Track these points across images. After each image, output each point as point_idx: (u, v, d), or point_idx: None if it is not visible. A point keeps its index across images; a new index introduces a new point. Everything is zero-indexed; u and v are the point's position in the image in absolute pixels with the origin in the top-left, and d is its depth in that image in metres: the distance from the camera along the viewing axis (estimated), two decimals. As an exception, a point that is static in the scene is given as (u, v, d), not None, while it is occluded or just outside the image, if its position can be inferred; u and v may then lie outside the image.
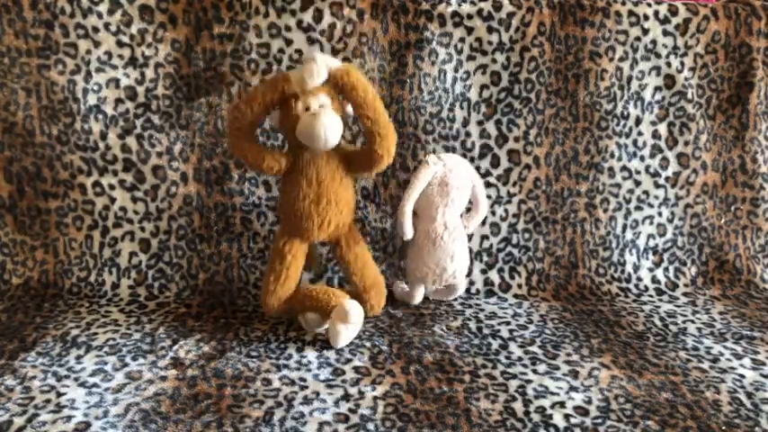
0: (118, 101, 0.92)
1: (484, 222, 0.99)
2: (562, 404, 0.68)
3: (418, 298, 0.93)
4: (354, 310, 0.78)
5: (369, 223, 0.98)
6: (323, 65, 0.74)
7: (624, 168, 1.02)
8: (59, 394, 0.67)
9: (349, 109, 0.79)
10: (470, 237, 0.97)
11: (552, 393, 0.70)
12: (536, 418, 0.65)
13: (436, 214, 0.88)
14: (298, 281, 0.83)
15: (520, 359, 0.77)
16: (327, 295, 0.80)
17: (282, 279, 0.80)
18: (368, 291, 0.83)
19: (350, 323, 0.78)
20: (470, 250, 0.96)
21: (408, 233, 0.89)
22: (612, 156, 1.01)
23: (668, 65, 1.00)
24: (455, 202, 0.88)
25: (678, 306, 0.96)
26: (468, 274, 0.97)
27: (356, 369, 0.74)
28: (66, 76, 0.90)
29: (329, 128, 0.73)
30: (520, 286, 0.99)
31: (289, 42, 0.92)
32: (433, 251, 0.89)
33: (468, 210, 0.93)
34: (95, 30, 0.89)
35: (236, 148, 0.78)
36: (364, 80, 0.76)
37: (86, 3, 0.88)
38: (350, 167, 0.80)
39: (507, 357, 0.78)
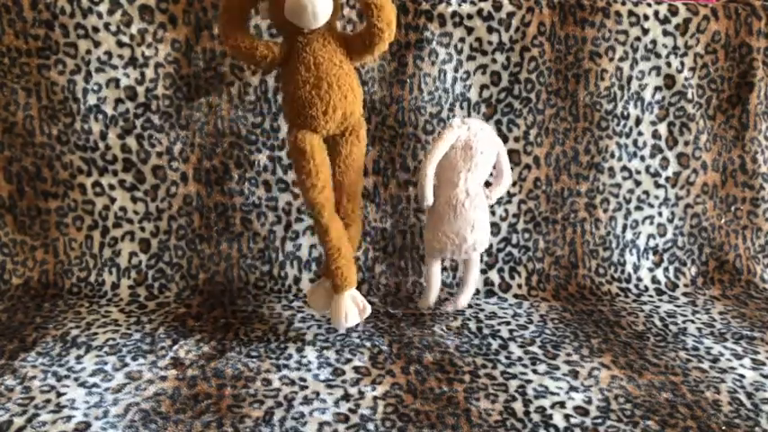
0: (118, 101, 0.92)
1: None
2: (562, 404, 0.68)
3: (432, 293, 0.89)
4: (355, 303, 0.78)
5: (369, 223, 0.98)
6: None
7: (624, 168, 1.02)
8: (59, 394, 0.67)
9: None
10: (491, 207, 0.94)
11: (552, 393, 0.70)
12: (536, 418, 0.65)
13: (458, 180, 0.83)
14: (329, 174, 0.78)
15: (520, 359, 0.77)
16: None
17: (315, 172, 0.75)
18: (344, 197, 0.79)
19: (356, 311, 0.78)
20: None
21: (429, 198, 0.83)
22: (612, 156, 1.01)
23: (668, 65, 1.00)
24: (479, 168, 0.83)
25: (678, 306, 0.96)
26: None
27: (356, 369, 0.74)
28: (66, 76, 0.90)
29: (316, 1, 0.69)
30: (520, 286, 0.99)
31: (289, 42, 0.92)
32: (453, 219, 0.83)
33: (488, 183, 0.89)
34: (95, 30, 0.89)
35: (228, 38, 0.75)
36: None
37: (86, 3, 0.88)
38: (350, 52, 0.76)
39: (507, 357, 0.78)
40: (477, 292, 0.98)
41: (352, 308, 0.78)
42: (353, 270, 0.79)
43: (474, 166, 0.83)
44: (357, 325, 0.82)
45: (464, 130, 0.82)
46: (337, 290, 0.78)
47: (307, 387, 0.70)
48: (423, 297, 0.91)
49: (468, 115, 0.97)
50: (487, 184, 0.88)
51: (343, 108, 0.75)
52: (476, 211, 0.84)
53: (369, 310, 0.79)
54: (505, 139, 0.98)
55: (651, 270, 1.03)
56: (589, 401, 0.68)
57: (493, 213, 1.00)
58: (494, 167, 0.87)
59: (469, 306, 0.93)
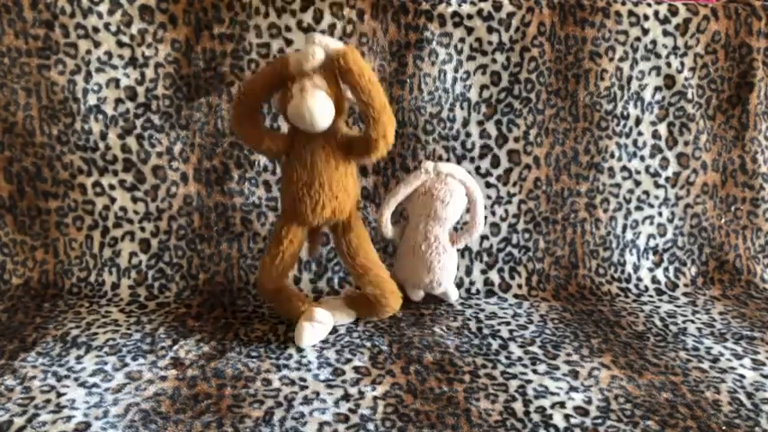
0: (118, 101, 0.92)
1: (484, 222, 0.99)
2: (562, 404, 0.68)
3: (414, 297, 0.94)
4: (320, 313, 0.80)
5: (369, 223, 0.98)
6: (320, 46, 0.73)
7: (624, 168, 1.02)
8: (59, 394, 0.67)
9: (350, 93, 0.77)
10: (468, 249, 0.98)
11: (552, 393, 0.70)
12: (536, 418, 0.65)
13: (419, 223, 0.88)
14: (292, 266, 0.83)
15: (520, 359, 0.77)
16: (301, 302, 0.82)
17: (278, 261, 0.80)
18: (371, 285, 0.81)
19: (315, 321, 0.79)
20: (459, 263, 0.93)
21: (386, 234, 0.89)
22: (612, 156, 1.01)
23: (668, 65, 1.00)
24: (439, 216, 0.86)
25: (678, 306, 0.96)
26: (460, 286, 0.97)
27: (356, 369, 0.74)
28: (66, 76, 0.90)
29: (314, 108, 0.72)
30: (520, 286, 0.99)
31: (289, 42, 0.92)
32: (411, 259, 0.88)
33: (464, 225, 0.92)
34: (95, 30, 0.89)
35: (238, 128, 0.79)
36: (361, 63, 0.74)
37: (86, 3, 0.88)
38: (350, 153, 0.79)
39: (507, 357, 0.78)
40: (478, 292, 0.98)
41: (309, 326, 0.80)
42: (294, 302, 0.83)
43: (434, 213, 0.86)
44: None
45: (431, 176, 0.86)
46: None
47: (307, 387, 0.70)
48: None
49: (468, 115, 0.97)
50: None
51: (333, 206, 0.79)
52: (432, 255, 0.87)
53: (326, 320, 0.81)
54: (505, 139, 0.98)
55: (651, 270, 1.03)
56: (589, 401, 0.68)
57: (493, 213, 1.00)
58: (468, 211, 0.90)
59: (469, 306, 0.94)
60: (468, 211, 0.90)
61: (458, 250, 0.92)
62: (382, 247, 0.99)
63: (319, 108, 0.72)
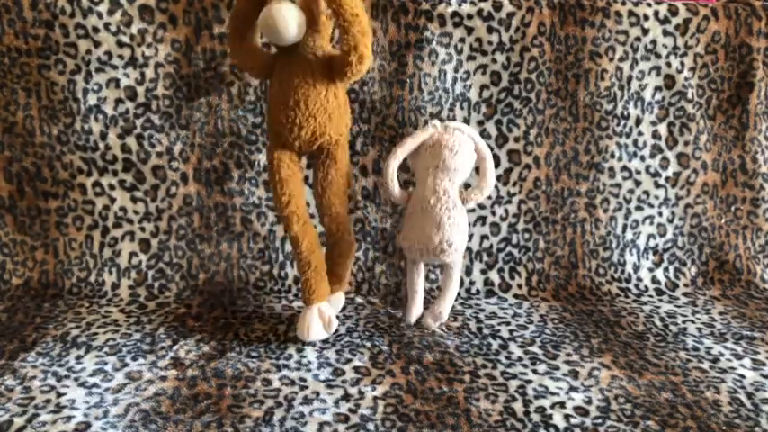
0: (118, 101, 0.92)
1: (484, 222, 0.99)
2: (562, 404, 0.68)
3: (414, 306, 0.88)
4: (326, 307, 0.79)
5: (369, 223, 0.98)
6: None
7: (624, 168, 1.02)
8: (59, 394, 0.67)
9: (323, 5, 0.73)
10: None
11: (552, 393, 0.70)
12: (536, 418, 0.65)
13: (426, 177, 0.82)
14: (302, 195, 0.80)
15: (520, 359, 0.77)
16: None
17: (280, 186, 0.77)
18: (331, 225, 0.81)
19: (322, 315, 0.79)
20: (469, 225, 0.87)
21: (393, 192, 0.83)
22: (613, 156, 1.01)
23: (668, 65, 1.00)
24: (448, 166, 0.81)
25: (678, 306, 0.96)
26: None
27: (356, 369, 0.74)
28: (67, 76, 0.90)
29: (278, 17, 0.68)
30: (520, 286, 0.99)
31: (289, 42, 0.92)
32: (420, 218, 0.82)
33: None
34: (95, 30, 0.89)
35: (231, 45, 0.79)
36: None
37: (86, 3, 0.88)
38: (331, 72, 0.75)
39: (507, 357, 0.78)
40: (478, 292, 0.98)
41: (317, 322, 0.78)
42: (324, 284, 0.80)
43: (442, 163, 0.81)
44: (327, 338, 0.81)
45: (438, 130, 0.82)
46: (305, 302, 0.79)
47: (307, 387, 0.70)
48: (405, 311, 0.89)
49: (469, 115, 0.97)
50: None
51: (311, 128, 0.74)
52: (443, 211, 0.81)
53: (335, 325, 0.79)
54: (505, 139, 0.98)
55: (651, 270, 1.03)
56: (589, 401, 0.68)
57: (493, 213, 1.00)
58: (477, 172, 0.85)
59: (469, 306, 0.94)
60: (477, 170, 0.86)
61: (468, 211, 0.86)
62: (383, 246, 0.99)
63: (283, 16, 0.68)
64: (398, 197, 0.85)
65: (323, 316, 0.79)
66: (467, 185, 0.86)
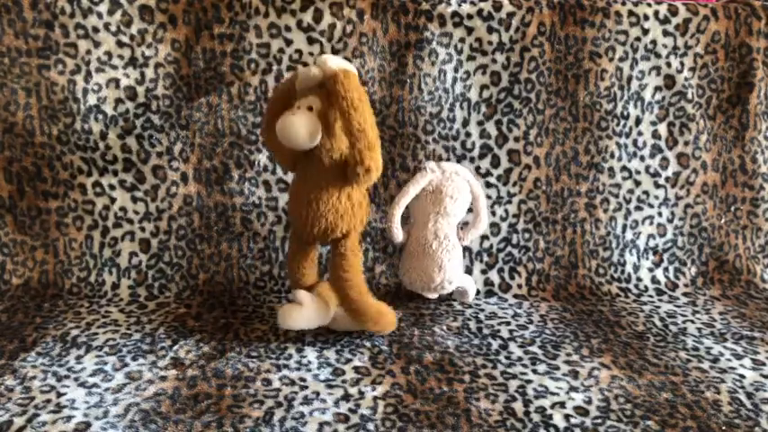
0: (118, 101, 0.92)
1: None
2: (562, 404, 0.68)
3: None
4: (301, 294, 0.80)
5: (369, 223, 0.98)
6: (318, 66, 0.73)
7: (624, 168, 1.02)
8: (59, 394, 0.67)
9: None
10: (468, 249, 0.97)
11: (552, 393, 0.70)
12: (536, 418, 0.65)
13: (427, 222, 0.88)
14: (314, 274, 0.85)
15: (520, 359, 0.77)
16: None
17: (296, 266, 0.83)
18: (360, 317, 0.80)
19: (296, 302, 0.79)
20: (466, 261, 0.95)
21: (396, 237, 0.89)
22: (612, 156, 1.01)
23: (668, 65, 1.00)
24: (448, 212, 0.87)
25: (678, 306, 0.96)
26: (475, 291, 0.96)
27: (356, 369, 0.74)
28: (67, 76, 0.90)
29: (291, 127, 0.72)
30: (520, 286, 0.99)
31: (289, 42, 0.92)
32: (422, 258, 0.88)
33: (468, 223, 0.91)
34: (95, 30, 0.89)
35: (263, 136, 0.84)
36: (350, 85, 0.71)
37: (86, 3, 0.88)
38: (345, 176, 0.77)
39: (507, 357, 0.78)
40: (478, 292, 0.98)
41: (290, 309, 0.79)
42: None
43: (443, 209, 0.87)
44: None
45: (437, 175, 0.87)
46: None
47: (307, 387, 0.70)
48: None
49: (468, 115, 0.97)
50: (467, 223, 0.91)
51: (323, 227, 0.78)
52: (444, 253, 0.87)
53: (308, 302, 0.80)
54: (505, 139, 0.98)
55: (651, 270, 1.03)
56: (589, 401, 0.68)
57: (493, 214, 1.00)
58: (470, 210, 0.90)
59: (469, 306, 0.94)
60: (470, 207, 0.90)
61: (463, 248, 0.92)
62: (382, 246, 0.99)
63: (297, 127, 0.73)
64: (401, 240, 0.90)
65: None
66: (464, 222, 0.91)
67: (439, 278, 0.88)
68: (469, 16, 0.94)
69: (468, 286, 0.93)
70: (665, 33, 0.99)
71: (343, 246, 0.79)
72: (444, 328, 0.86)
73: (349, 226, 0.79)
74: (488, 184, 0.99)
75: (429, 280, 0.88)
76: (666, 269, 1.04)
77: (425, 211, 0.88)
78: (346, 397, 0.68)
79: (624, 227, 1.03)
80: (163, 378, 0.71)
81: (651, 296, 0.99)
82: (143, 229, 0.95)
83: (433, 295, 0.91)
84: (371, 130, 0.72)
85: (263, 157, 0.95)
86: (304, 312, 0.79)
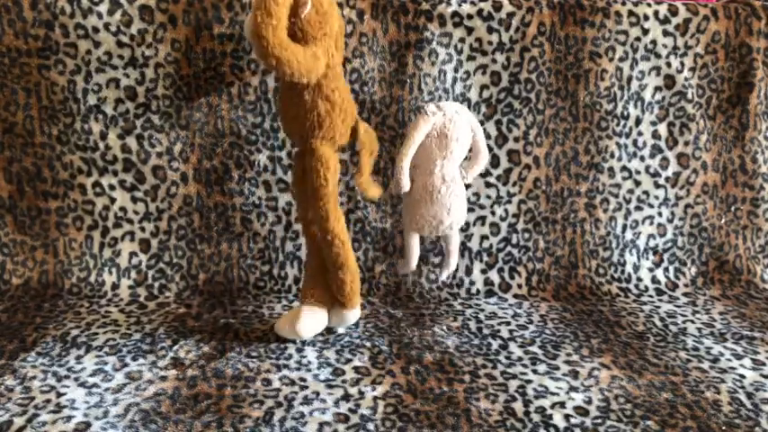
0: (118, 101, 0.92)
1: (484, 222, 0.99)
2: (562, 404, 0.68)
3: (413, 260, 0.89)
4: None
5: (369, 223, 0.98)
6: None
7: (624, 168, 1.02)
8: (59, 394, 0.67)
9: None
10: (468, 186, 0.93)
11: (552, 393, 0.70)
12: (536, 418, 0.65)
13: (434, 167, 0.83)
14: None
15: (520, 359, 0.77)
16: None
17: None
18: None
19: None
20: (468, 200, 0.91)
21: (405, 187, 0.84)
22: (612, 156, 1.01)
23: (668, 65, 1.00)
24: (454, 155, 0.83)
25: (678, 306, 0.96)
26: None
27: (356, 369, 0.74)
28: (67, 77, 0.90)
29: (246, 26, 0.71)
30: (520, 286, 0.99)
31: (289, 42, 0.92)
32: (430, 204, 0.84)
33: (468, 158, 0.87)
34: (95, 30, 0.89)
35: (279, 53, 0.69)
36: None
37: (86, 3, 0.88)
38: None
39: (507, 357, 0.78)
40: (478, 292, 0.98)
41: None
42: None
43: (449, 153, 0.82)
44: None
45: (439, 117, 0.82)
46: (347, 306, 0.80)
47: (307, 387, 0.70)
48: (403, 263, 0.90)
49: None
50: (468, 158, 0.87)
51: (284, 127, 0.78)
52: (451, 196, 0.84)
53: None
54: (505, 139, 0.98)
55: (651, 270, 1.03)
56: (589, 401, 0.68)
57: (493, 213, 1.00)
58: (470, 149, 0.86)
59: (469, 306, 0.94)
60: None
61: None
62: (382, 246, 0.99)
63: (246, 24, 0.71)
64: (408, 188, 0.85)
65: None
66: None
67: (448, 221, 0.85)
68: (469, 16, 0.94)
69: (451, 261, 0.90)
70: (665, 33, 0.99)
71: (309, 156, 0.76)
72: (444, 327, 0.86)
73: (304, 130, 0.75)
74: (488, 184, 0.99)
75: (438, 224, 0.85)
76: (666, 269, 1.04)
77: (431, 156, 0.83)
78: (346, 397, 0.68)
79: (624, 227, 1.03)
80: (163, 378, 0.71)
81: (651, 296, 0.99)
82: (143, 230, 0.95)
83: (445, 233, 0.87)
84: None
85: (263, 157, 0.95)
86: (317, 317, 0.80)
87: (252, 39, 0.67)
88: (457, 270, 0.99)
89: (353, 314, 0.81)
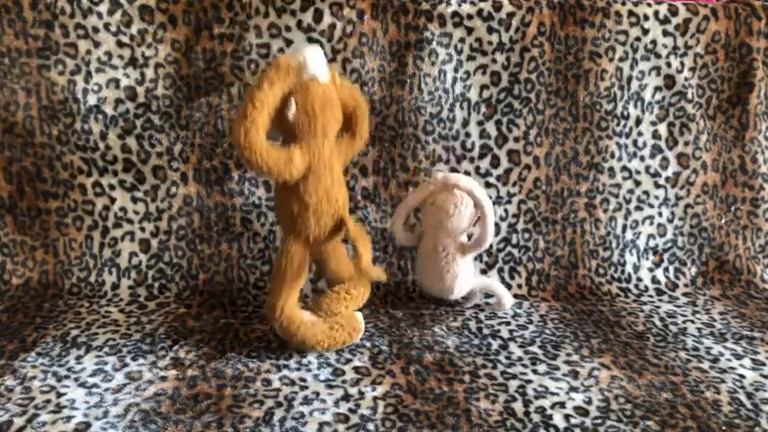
0: (118, 101, 0.92)
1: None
2: (562, 404, 0.68)
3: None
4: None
5: (369, 223, 0.98)
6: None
7: (624, 168, 1.02)
8: (59, 394, 0.67)
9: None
10: (480, 258, 0.98)
11: (552, 393, 0.70)
12: (536, 418, 0.65)
13: (430, 232, 0.88)
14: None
15: (520, 359, 0.77)
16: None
17: None
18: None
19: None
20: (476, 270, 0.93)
21: (400, 241, 0.91)
22: (612, 156, 1.01)
23: (668, 65, 1.00)
24: (445, 226, 0.86)
25: (678, 306, 0.96)
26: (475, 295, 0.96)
27: (356, 369, 0.74)
28: (67, 77, 0.90)
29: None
30: (520, 286, 0.99)
31: (289, 42, 0.92)
32: (426, 265, 0.89)
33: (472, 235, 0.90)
34: (95, 30, 0.89)
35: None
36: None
37: (86, 3, 0.88)
38: None
39: (507, 357, 0.78)
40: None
41: None
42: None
43: (440, 224, 0.87)
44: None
45: (436, 188, 0.86)
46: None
47: (307, 387, 0.70)
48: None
49: (468, 115, 0.97)
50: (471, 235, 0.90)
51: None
52: (444, 265, 0.88)
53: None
54: (505, 139, 0.98)
55: (651, 270, 1.03)
56: (589, 402, 0.68)
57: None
58: (477, 223, 0.88)
59: (469, 306, 0.94)
60: (478, 221, 0.88)
61: (474, 259, 0.92)
62: (382, 246, 0.99)
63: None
64: (407, 243, 0.92)
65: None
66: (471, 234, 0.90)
67: (440, 285, 0.89)
68: (469, 16, 0.94)
69: (500, 292, 0.93)
70: (665, 33, 0.99)
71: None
72: (444, 328, 0.86)
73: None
74: (488, 184, 0.99)
75: (433, 285, 0.90)
76: (666, 269, 1.04)
77: (427, 222, 0.89)
78: (346, 397, 0.68)
79: (624, 227, 1.03)
80: (163, 378, 0.71)
81: (651, 296, 0.99)
82: (143, 230, 0.95)
83: (447, 298, 0.91)
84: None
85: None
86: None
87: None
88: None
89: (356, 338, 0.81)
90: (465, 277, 0.89)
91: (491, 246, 1.00)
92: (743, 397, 0.70)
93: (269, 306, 0.76)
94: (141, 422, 0.63)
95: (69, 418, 0.63)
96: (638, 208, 1.03)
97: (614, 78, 0.99)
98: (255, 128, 0.68)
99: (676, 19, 0.99)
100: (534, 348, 0.80)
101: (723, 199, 1.05)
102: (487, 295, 0.96)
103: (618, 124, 1.00)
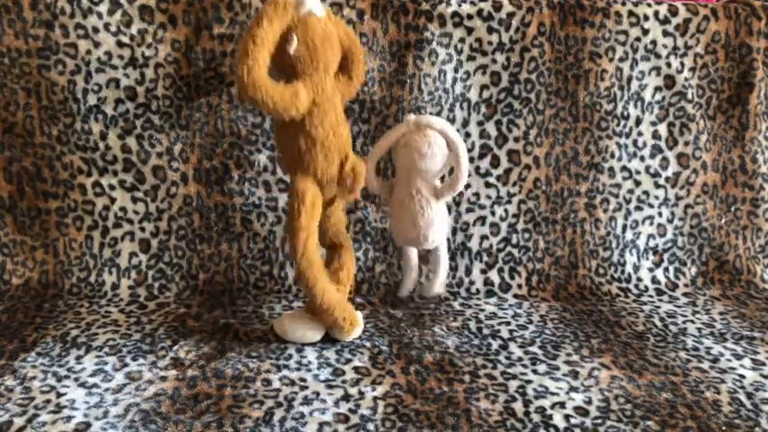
0: (118, 101, 0.92)
1: (484, 222, 0.99)
2: (562, 404, 0.68)
3: (407, 281, 0.91)
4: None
5: (369, 223, 0.98)
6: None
7: (624, 168, 1.02)
8: (59, 394, 0.67)
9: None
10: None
11: (552, 394, 0.70)
12: (536, 418, 0.65)
13: (402, 175, 0.85)
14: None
15: (520, 359, 0.77)
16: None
17: None
18: None
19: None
20: (449, 217, 0.92)
21: (373, 189, 0.88)
22: (612, 156, 1.01)
23: (668, 65, 1.00)
24: (419, 168, 0.83)
25: (678, 306, 0.96)
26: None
27: (356, 369, 0.74)
28: (67, 77, 0.90)
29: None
30: (520, 286, 0.99)
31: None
32: (399, 213, 0.85)
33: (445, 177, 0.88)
34: (95, 30, 0.89)
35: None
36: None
37: (86, 3, 0.88)
38: None
39: (507, 357, 0.78)
40: (477, 291, 0.98)
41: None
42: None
43: (413, 165, 0.83)
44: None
45: (409, 128, 0.83)
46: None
47: (307, 387, 0.70)
48: (400, 285, 0.92)
49: (468, 115, 0.97)
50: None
51: None
52: (417, 209, 0.83)
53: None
54: (505, 139, 0.98)
55: (651, 270, 1.03)
56: (589, 402, 0.68)
57: (493, 213, 1.00)
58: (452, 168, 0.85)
59: (469, 306, 0.94)
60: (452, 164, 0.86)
61: (448, 207, 0.90)
62: (382, 246, 0.99)
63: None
64: (380, 191, 0.88)
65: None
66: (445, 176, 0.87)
67: (413, 233, 0.85)
68: (469, 16, 0.94)
69: (440, 279, 0.90)
70: (665, 33, 0.99)
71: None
72: (444, 328, 0.86)
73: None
74: (488, 184, 0.99)
75: (407, 232, 0.86)
76: (666, 269, 1.04)
77: (400, 165, 0.85)
78: (346, 397, 0.68)
79: (624, 227, 1.03)
80: (163, 378, 0.71)
81: (651, 296, 0.99)
82: (143, 230, 0.95)
83: (421, 248, 0.88)
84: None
85: (263, 158, 0.95)
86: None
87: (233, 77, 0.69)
88: (456, 270, 0.99)
89: (354, 333, 0.81)
90: (439, 226, 0.85)
91: (491, 246, 1.00)
92: (743, 397, 0.70)
93: (297, 269, 0.75)
94: (141, 422, 0.63)
95: (69, 419, 0.63)
96: (638, 208, 1.03)
97: (614, 78, 0.99)
98: (258, 65, 0.67)
99: (676, 19, 0.99)
100: (534, 348, 0.80)
101: (723, 199, 1.05)
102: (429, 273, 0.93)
103: (618, 124, 1.00)
